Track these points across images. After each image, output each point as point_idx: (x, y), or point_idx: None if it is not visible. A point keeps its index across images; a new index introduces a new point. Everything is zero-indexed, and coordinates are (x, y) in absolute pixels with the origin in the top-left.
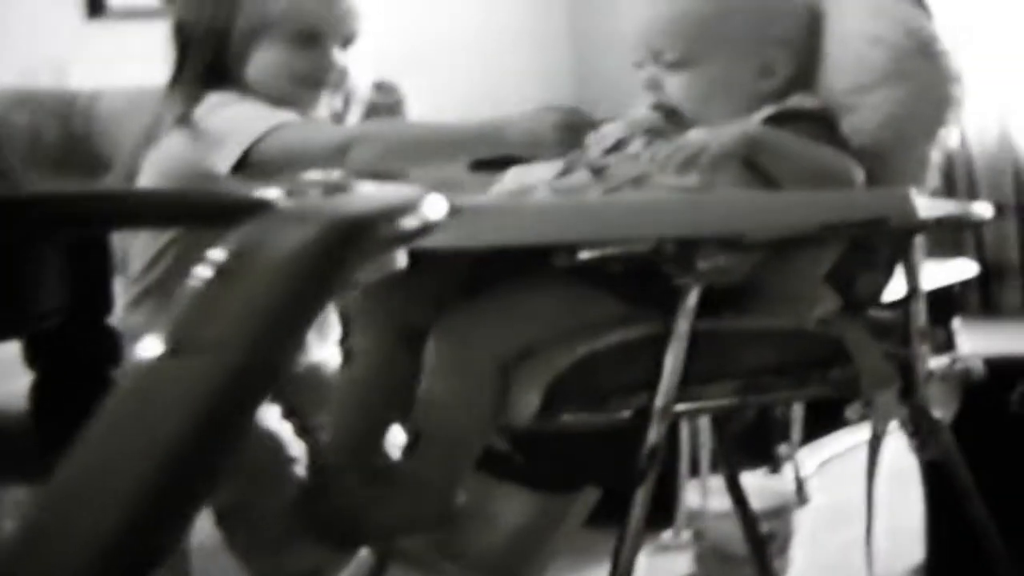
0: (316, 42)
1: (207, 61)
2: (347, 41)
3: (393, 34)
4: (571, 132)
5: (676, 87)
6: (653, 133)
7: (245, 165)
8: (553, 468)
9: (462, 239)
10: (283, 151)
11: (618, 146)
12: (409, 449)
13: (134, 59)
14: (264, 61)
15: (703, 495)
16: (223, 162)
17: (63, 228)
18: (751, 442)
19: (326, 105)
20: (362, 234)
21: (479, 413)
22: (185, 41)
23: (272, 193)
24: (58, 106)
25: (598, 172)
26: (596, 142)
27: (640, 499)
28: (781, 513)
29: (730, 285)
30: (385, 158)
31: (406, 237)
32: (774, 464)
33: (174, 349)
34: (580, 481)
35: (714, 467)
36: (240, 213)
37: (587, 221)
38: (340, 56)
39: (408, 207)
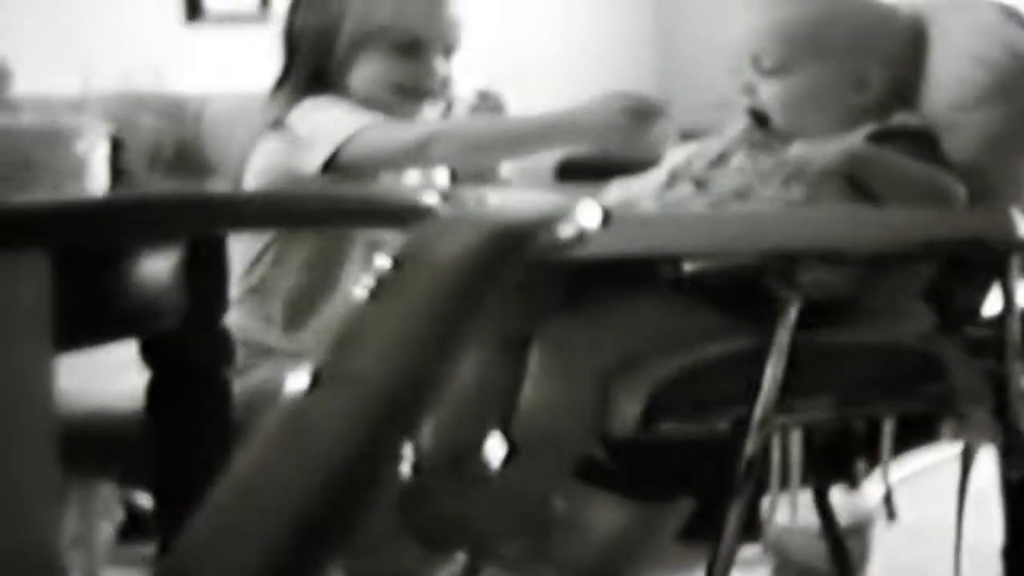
0: (418, 52)
1: (312, 68)
2: (449, 51)
3: (492, 45)
4: (639, 117)
5: (771, 94)
6: (756, 146)
7: (334, 167)
8: (649, 478)
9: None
10: (369, 151)
11: (720, 160)
12: (509, 456)
13: (231, 63)
14: (367, 69)
15: (790, 509)
16: (312, 164)
17: (221, 229)
18: (830, 457)
19: (428, 114)
20: (523, 242)
21: (579, 422)
22: (292, 47)
23: (431, 199)
24: (169, 110)
25: (701, 185)
26: (700, 154)
27: (736, 511)
28: (860, 529)
29: (829, 299)
30: (465, 153)
31: (563, 246)
32: (853, 479)
33: (327, 380)
34: (676, 492)
35: (788, 482)
36: (401, 217)
37: (692, 232)
38: (442, 66)
39: (564, 216)
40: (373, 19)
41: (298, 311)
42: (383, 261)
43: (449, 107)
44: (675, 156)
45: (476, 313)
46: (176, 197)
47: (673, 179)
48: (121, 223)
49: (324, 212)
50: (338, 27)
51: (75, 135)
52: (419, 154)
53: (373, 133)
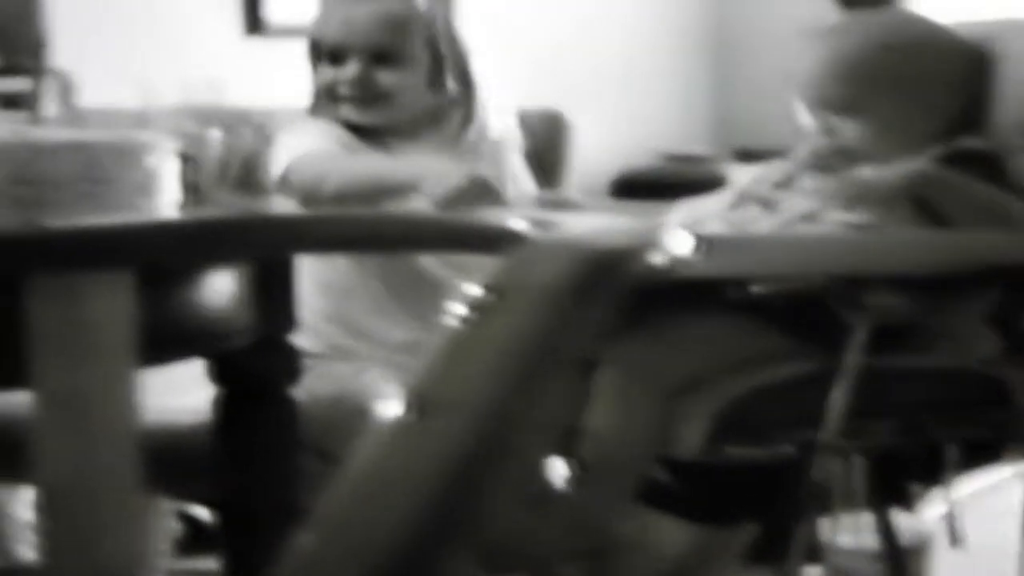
0: (340, 58)
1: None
2: (382, 58)
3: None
4: (477, 195)
5: (849, 132)
6: (824, 169)
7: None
8: (714, 501)
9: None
10: (298, 181)
11: (787, 181)
12: (572, 478)
13: (292, 75)
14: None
15: (853, 531)
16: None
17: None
18: (888, 478)
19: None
20: (618, 269)
21: (643, 444)
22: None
23: (520, 223)
24: (233, 123)
25: (768, 206)
26: (767, 176)
27: (801, 535)
28: (919, 552)
29: (894, 323)
30: (314, 190)
31: (656, 272)
32: (909, 501)
33: (424, 407)
34: (740, 515)
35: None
36: (493, 242)
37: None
38: (366, 70)
39: (657, 243)
40: (315, 31)
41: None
42: (476, 287)
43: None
44: (742, 177)
45: (574, 339)
46: (263, 219)
47: (740, 200)
48: (206, 243)
49: (414, 236)
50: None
51: (145, 150)
52: (281, 186)
53: (304, 164)
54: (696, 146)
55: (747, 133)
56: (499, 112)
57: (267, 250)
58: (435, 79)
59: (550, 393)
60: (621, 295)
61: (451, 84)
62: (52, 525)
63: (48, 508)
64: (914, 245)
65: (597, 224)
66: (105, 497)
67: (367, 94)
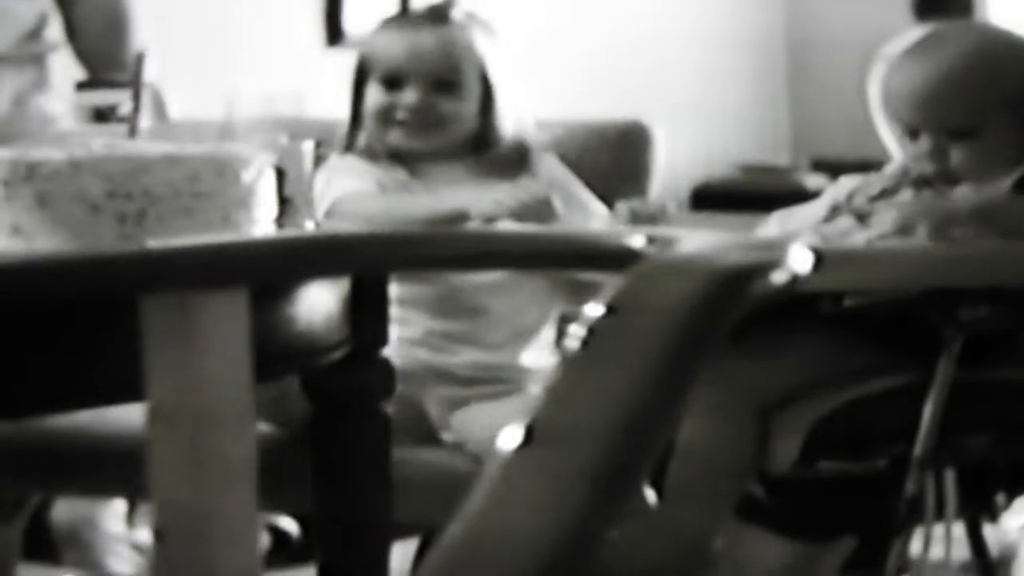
0: (399, 83)
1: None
2: (441, 85)
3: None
4: (529, 213)
5: (962, 157)
6: (921, 184)
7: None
8: (809, 516)
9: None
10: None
11: (883, 194)
12: (667, 492)
13: None
14: (368, 100)
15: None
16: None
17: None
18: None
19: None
20: (741, 288)
21: (737, 458)
22: None
23: (638, 241)
24: (325, 136)
25: (863, 219)
26: (862, 188)
27: (897, 550)
28: (1005, 563)
29: (989, 335)
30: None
31: (777, 290)
32: (993, 512)
33: (541, 436)
34: (836, 530)
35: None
36: (611, 260)
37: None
38: (428, 97)
39: (779, 260)
40: (372, 53)
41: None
42: (595, 308)
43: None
44: (836, 189)
45: (698, 362)
46: (371, 235)
47: (834, 212)
48: (316, 259)
49: (531, 253)
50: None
51: (242, 163)
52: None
53: (347, 205)
54: (773, 157)
55: (823, 143)
56: (537, 125)
57: (374, 267)
58: (486, 108)
59: (674, 417)
60: (743, 314)
61: (502, 114)
62: (167, 540)
63: (163, 523)
64: (1009, 258)
65: (713, 240)
66: (222, 514)
67: (426, 120)
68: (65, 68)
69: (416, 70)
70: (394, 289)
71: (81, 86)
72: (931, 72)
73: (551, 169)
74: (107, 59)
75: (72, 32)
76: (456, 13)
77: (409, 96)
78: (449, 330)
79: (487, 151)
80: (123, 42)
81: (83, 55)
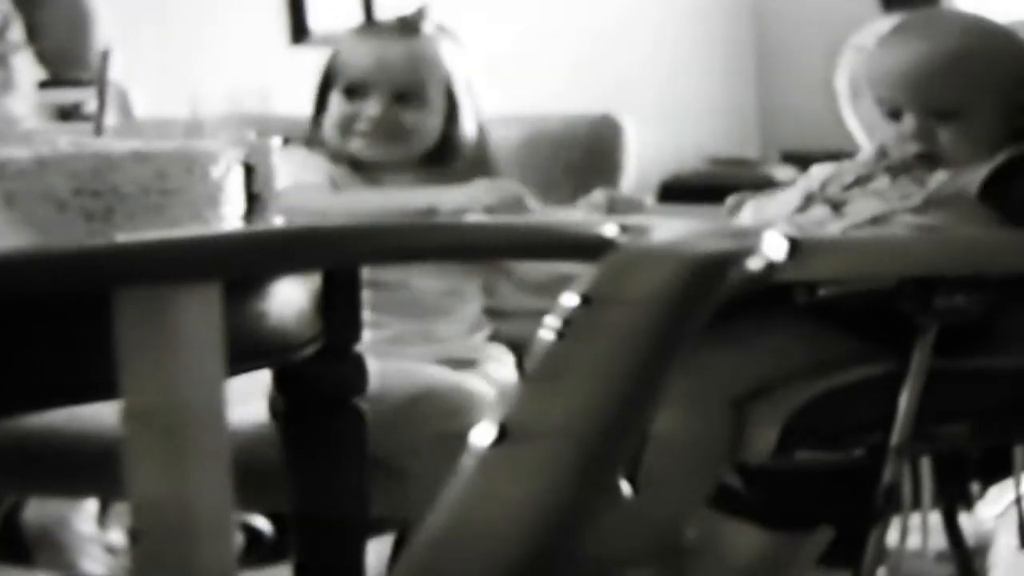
0: (362, 94)
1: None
2: (403, 96)
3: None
4: (507, 207)
5: (948, 138)
6: (897, 171)
7: None
8: (786, 506)
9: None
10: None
11: (857, 182)
12: (642, 482)
13: None
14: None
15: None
16: None
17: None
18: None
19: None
20: (717, 276)
21: (713, 449)
22: None
23: (611, 230)
24: (291, 132)
25: (837, 207)
26: (836, 177)
27: (875, 539)
28: (981, 552)
29: (966, 324)
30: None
31: (753, 279)
32: (968, 501)
33: (516, 432)
34: (813, 520)
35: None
36: (585, 250)
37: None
38: (390, 109)
39: (754, 248)
40: (337, 62)
41: None
42: (570, 298)
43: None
44: (809, 178)
45: (675, 351)
46: (343, 229)
47: (808, 201)
48: (289, 253)
49: (500, 244)
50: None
51: (211, 160)
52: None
53: (296, 195)
54: (742, 149)
55: (792, 135)
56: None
57: (346, 260)
58: (449, 121)
59: (650, 408)
60: (719, 302)
61: (465, 127)
62: (144, 540)
63: (140, 523)
64: (984, 246)
65: (687, 228)
66: (199, 511)
67: (387, 131)
68: (26, 68)
69: (379, 80)
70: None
71: (44, 84)
72: (919, 52)
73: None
74: (70, 58)
75: (33, 33)
76: (426, 25)
77: (371, 107)
78: (419, 330)
79: (448, 164)
80: (86, 41)
81: (45, 55)
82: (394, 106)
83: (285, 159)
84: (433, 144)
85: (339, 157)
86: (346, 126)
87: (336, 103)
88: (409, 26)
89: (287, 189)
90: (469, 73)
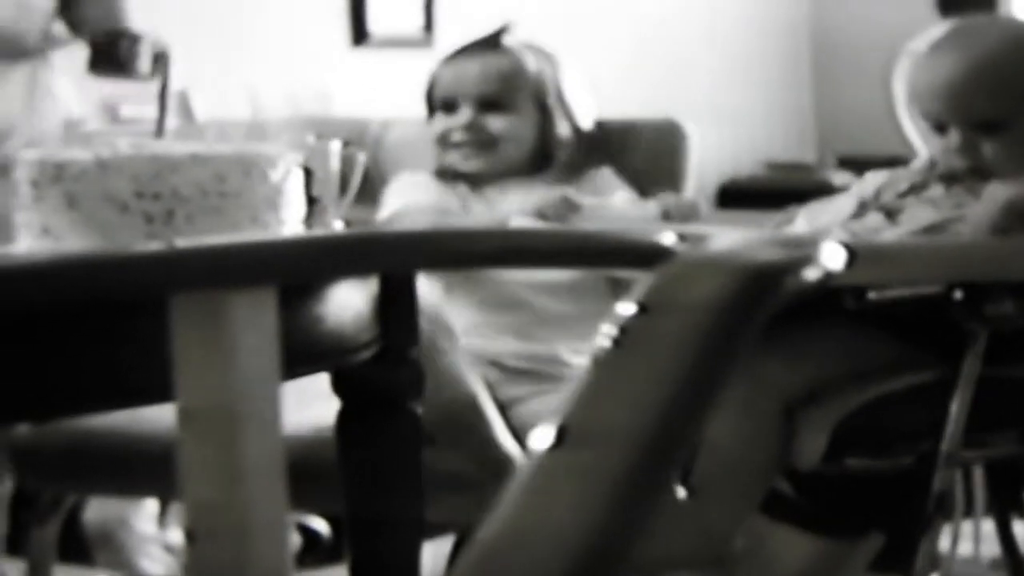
0: (452, 107)
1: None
2: (489, 104)
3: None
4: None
5: (993, 150)
6: (952, 179)
7: None
8: (836, 513)
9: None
10: None
11: (912, 190)
12: (693, 487)
13: (397, 86)
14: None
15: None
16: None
17: (445, 265)
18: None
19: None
20: (773, 285)
21: (764, 454)
22: None
23: (668, 238)
24: (350, 135)
25: (892, 215)
26: (890, 184)
27: (925, 546)
28: None
29: (1016, 331)
30: None
31: (809, 287)
32: (1022, 509)
33: (574, 436)
34: (863, 527)
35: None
36: (643, 258)
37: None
38: (477, 117)
39: (811, 257)
40: (430, 85)
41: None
42: (626, 306)
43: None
44: (863, 185)
45: (731, 360)
46: (399, 234)
47: (862, 208)
48: (345, 258)
49: (558, 251)
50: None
51: (269, 163)
52: None
53: (401, 217)
54: (799, 154)
55: (849, 140)
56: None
57: (402, 265)
58: (543, 128)
59: (706, 416)
60: (775, 311)
61: (561, 132)
62: (199, 541)
63: (195, 524)
64: None
65: (744, 237)
66: (252, 513)
67: (477, 139)
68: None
69: (464, 92)
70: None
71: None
72: (959, 65)
73: (606, 183)
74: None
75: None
76: (509, 40)
77: (461, 117)
78: (494, 322)
79: (546, 170)
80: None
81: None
82: (480, 115)
83: (404, 181)
84: (529, 153)
85: (444, 173)
86: (444, 140)
87: (435, 122)
88: (489, 42)
89: (400, 211)
90: (563, 82)
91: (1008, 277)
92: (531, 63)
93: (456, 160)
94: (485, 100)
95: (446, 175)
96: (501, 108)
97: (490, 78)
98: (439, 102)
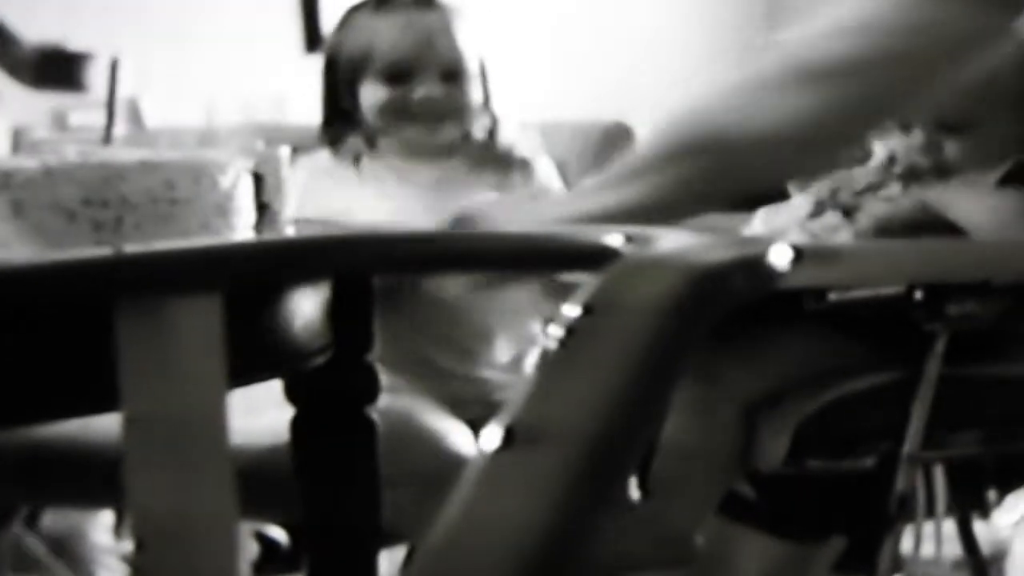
0: (406, 77)
1: (330, 100)
2: (450, 76)
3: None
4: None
5: (956, 150)
6: (912, 178)
7: None
8: (798, 515)
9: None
10: None
11: (869, 188)
12: (651, 488)
13: None
14: (365, 97)
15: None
16: None
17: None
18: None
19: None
20: (721, 285)
21: (724, 456)
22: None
23: (615, 239)
24: (305, 141)
25: (849, 213)
26: (847, 183)
27: (888, 547)
28: (997, 560)
29: (977, 331)
30: None
31: (757, 287)
32: (985, 509)
33: (520, 438)
34: (826, 529)
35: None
36: (587, 259)
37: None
38: (436, 88)
39: (759, 256)
40: (360, 46)
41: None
42: (571, 308)
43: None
44: (820, 185)
45: (678, 361)
46: (348, 238)
47: (819, 208)
48: (293, 263)
49: (510, 254)
50: (337, 57)
51: (219, 169)
52: None
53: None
54: None
55: None
56: (523, 127)
57: (354, 269)
58: (485, 95)
59: (656, 417)
60: (723, 312)
61: (496, 105)
62: (147, 551)
63: (143, 534)
64: (996, 252)
65: (691, 238)
66: (202, 522)
67: (443, 113)
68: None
69: (427, 61)
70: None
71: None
72: None
73: (547, 174)
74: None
75: None
76: None
77: (422, 89)
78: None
79: (482, 147)
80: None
81: None
82: (444, 85)
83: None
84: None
85: (388, 148)
86: (396, 112)
87: (374, 92)
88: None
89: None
90: (494, 47)
91: (965, 277)
92: (473, 25)
93: (416, 134)
94: (448, 69)
95: (373, 150)
96: (461, 77)
97: (453, 43)
98: (384, 67)
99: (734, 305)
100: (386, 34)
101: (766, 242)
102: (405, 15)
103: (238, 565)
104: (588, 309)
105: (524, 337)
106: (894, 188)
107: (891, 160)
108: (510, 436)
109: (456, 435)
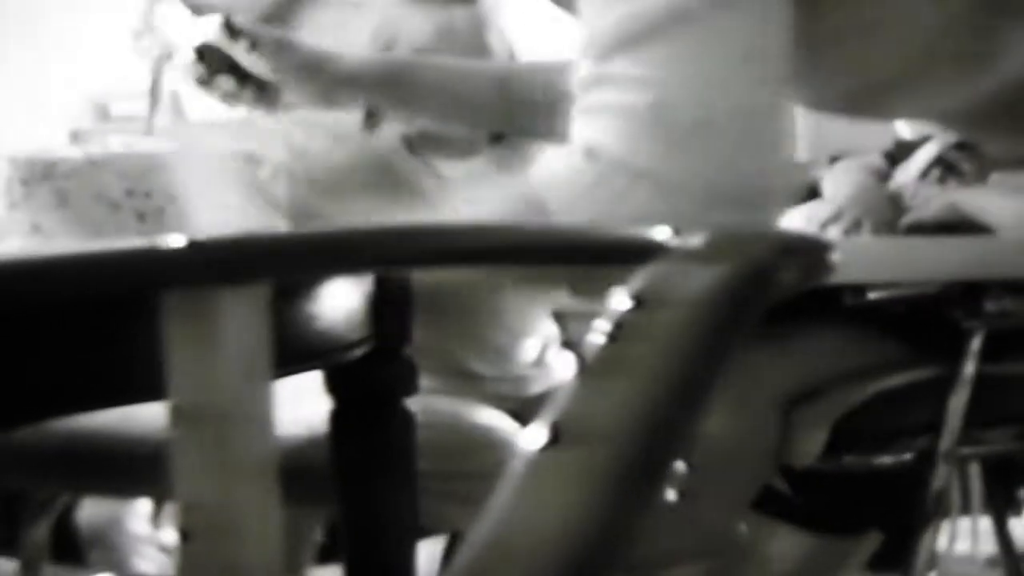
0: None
1: None
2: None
3: None
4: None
5: (1001, 148)
6: (948, 170)
7: None
8: (834, 511)
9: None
10: None
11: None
12: (688, 483)
13: None
14: None
15: (971, 538)
16: None
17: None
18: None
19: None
20: (770, 279)
21: (759, 451)
22: None
23: (662, 233)
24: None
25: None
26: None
27: (924, 543)
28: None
29: (1014, 328)
30: None
31: (807, 280)
32: (1018, 507)
33: (565, 435)
34: (861, 525)
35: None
36: (632, 253)
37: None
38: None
39: (807, 250)
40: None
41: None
42: (620, 301)
43: None
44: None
45: (727, 355)
46: (391, 230)
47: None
48: (337, 256)
49: (550, 248)
50: None
51: (258, 161)
52: None
53: None
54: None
55: (842, 138)
56: None
57: (396, 263)
58: None
59: (701, 411)
60: (771, 306)
61: None
62: (194, 542)
63: (189, 525)
64: None
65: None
66: (244, 511)
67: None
68: None
69: (445, 51)
70: None
71: None
72: None
73: None
74: None
75: None
76: None
77: None
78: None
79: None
80: None
81: None
82: None
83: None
84: None
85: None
86: None
87: None
88: None
89: None
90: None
91: (1004, 274)
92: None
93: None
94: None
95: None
96: None
97: (476, 33)
98: None
99: (782, 298)
100: (409, 22)
101: (813, 235)
102: (427, 3)
103: (280, 557)
104: (639, 302)
105: (545, 333)
106: (930, 180)
107: (937, 160)
108: (556, 433)
109: (505, 426)
